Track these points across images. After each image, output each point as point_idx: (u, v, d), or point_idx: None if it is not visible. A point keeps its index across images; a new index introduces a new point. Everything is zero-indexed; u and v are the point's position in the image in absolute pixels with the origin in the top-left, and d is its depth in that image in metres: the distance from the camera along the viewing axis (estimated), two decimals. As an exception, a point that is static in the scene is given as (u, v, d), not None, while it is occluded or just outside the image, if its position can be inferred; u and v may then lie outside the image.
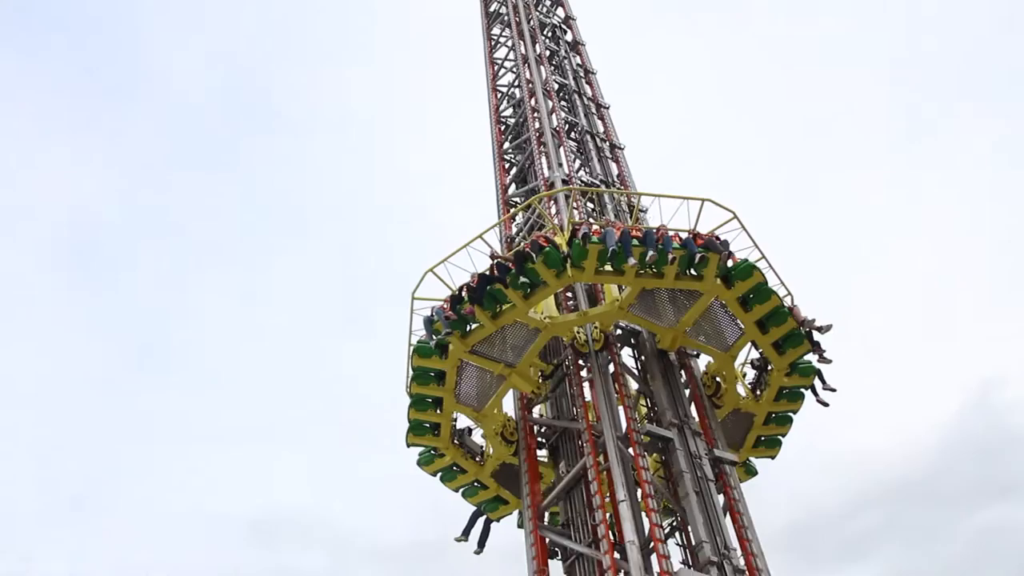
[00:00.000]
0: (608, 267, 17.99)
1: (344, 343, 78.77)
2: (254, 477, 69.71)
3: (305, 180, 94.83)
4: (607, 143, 28.46)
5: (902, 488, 61.07)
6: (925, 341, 72.96)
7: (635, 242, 17.77)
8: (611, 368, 19.04)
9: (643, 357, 19.67)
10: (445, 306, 18.60)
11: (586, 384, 19.06)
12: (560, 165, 25.84)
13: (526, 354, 18.99)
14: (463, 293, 18.45)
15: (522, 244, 19.87)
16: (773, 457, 21.01)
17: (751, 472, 21.19)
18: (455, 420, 20.15)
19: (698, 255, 17.79)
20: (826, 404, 19.72)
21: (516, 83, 31.47)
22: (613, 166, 27.51)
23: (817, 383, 19.69)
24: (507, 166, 28.45)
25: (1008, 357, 67.63)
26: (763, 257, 18.76)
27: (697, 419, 18.93)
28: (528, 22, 33.83)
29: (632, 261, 17.55)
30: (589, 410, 18.25)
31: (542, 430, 19.93)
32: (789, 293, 19.02)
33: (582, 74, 32.41)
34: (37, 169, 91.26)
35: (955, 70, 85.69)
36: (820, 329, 18.81)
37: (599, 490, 16.41)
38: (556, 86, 30.58)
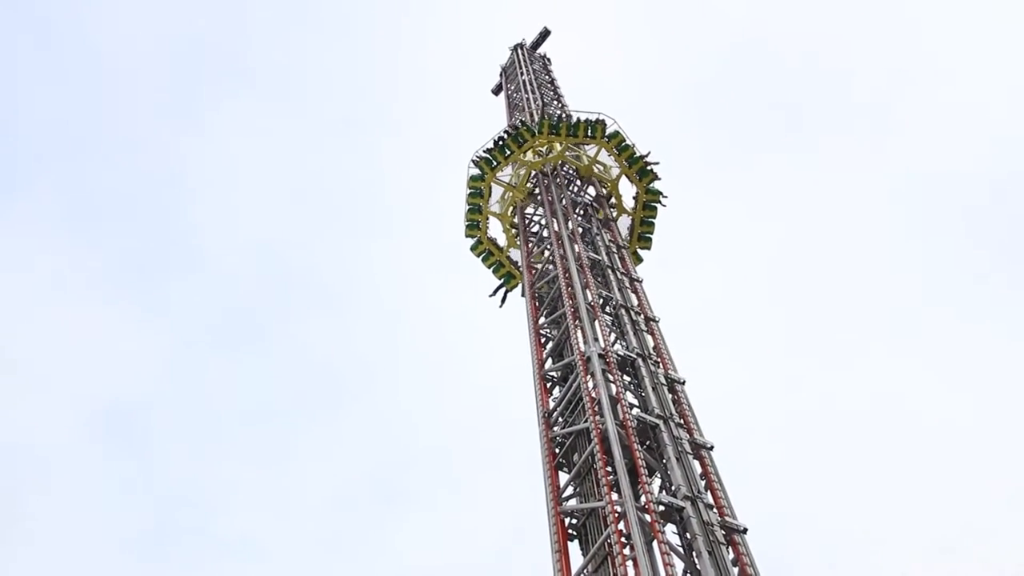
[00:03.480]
0: (553, 134, 40.91)
1: (374, 517, 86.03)
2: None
3: (337, 356, 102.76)
4: (641, 316, 29.78)
5: None
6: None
7: (564, 118, 41.15)
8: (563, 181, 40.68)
9: (578, 181, 40.88)
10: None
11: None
12: (596, 339, 27.09)
13: (520, 182, 41.13)
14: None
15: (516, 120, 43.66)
16: (648, 248, 40.62)
17: (639, 259, 40.63)
18: (487, 223, 41.61)
19: (591, 125, 40.50)
20: (664, 205, 40.24)
21: (550, 259, 34.03)
22: (648, 338, 28.56)
23: (661, 198, 40.39)
24: (543, 340, 30.24)
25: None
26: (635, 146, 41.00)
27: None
28: (561, 201, 37.41)
29: (562, 125, 40.66)
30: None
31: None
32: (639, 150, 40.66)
33: (614, 249, 34.89)
34: (80, 337, 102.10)
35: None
36: (651, 163, 40.23)
37: None
38: (589, 262, 32.34)
